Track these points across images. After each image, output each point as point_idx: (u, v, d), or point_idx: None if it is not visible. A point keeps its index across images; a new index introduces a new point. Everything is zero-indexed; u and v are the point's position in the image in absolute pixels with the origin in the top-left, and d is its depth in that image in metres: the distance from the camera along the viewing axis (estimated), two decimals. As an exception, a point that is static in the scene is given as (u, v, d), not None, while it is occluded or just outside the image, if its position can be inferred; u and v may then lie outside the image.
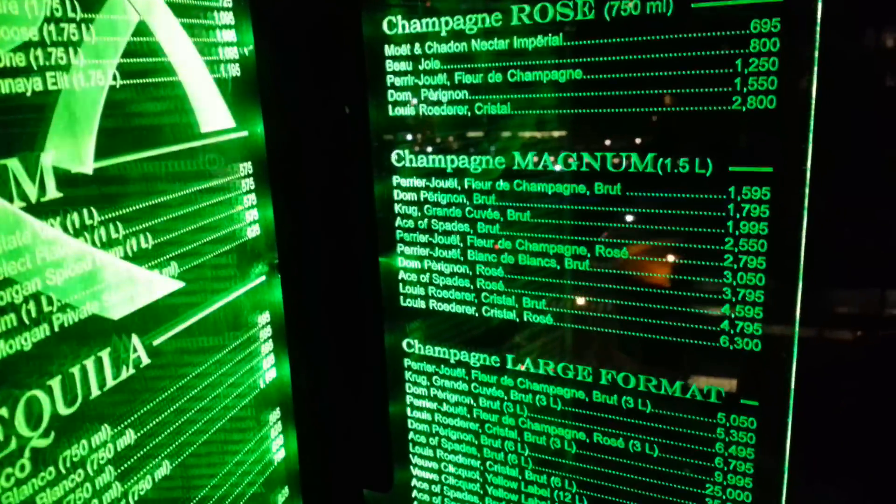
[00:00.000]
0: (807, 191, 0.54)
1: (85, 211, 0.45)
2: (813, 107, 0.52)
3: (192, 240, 0.56)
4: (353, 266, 0.76)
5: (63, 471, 0.44)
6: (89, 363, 0.45)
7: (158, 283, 0.52)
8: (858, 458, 0.59)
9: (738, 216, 0.56)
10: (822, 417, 0.59)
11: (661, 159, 0.58)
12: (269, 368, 0.68)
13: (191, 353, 0.57)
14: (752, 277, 0.57)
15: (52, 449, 0.43)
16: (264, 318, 0.68)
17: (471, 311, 0.71)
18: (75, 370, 0.44)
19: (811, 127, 0.53)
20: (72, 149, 0.44)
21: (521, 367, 0.70)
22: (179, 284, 0.54)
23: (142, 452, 0.51)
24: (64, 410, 0.44)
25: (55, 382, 0.43)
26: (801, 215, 0.54)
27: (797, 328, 0.56)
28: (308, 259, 0.75)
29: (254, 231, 0.66)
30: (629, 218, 0.61)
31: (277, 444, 0.70)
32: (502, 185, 0.66)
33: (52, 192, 0.42)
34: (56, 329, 0.43)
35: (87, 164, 0.45)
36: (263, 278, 0.67)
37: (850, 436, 0.59)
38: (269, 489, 0.69)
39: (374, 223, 0.74)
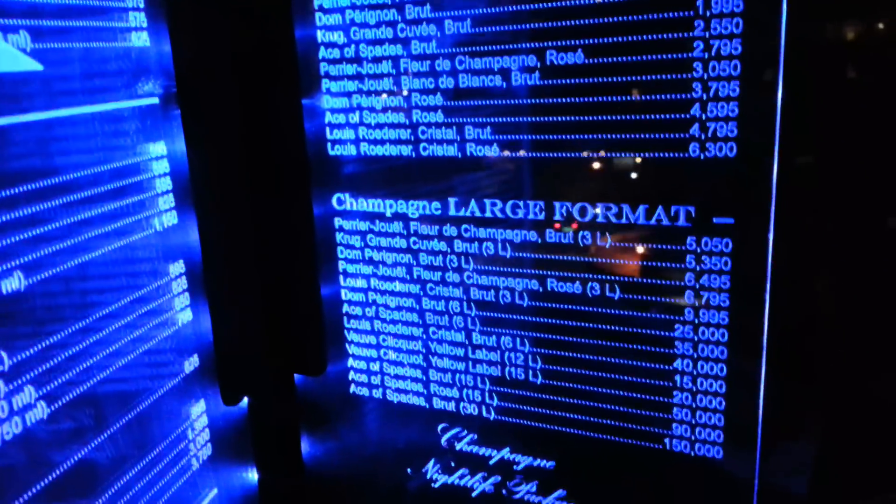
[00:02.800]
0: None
1: None
2: None
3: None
4: (273, 111, 0.66)
5: None
6: None
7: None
8: (841, 276, 0.53)
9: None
10: (806, 235, 0.52)
11: None
12: (168, 217, 0.58)
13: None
14: (727, 66, 0.49)
15: None
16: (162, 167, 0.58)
17: (407, 150, 0.62)
18: None
19: None
20: None
21: (466, 212, 0.61)
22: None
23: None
24: None
25: None
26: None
27: (778, 127, 0.49)
28: (221, 106, 0.64)
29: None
30: None
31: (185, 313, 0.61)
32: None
33: None
34: None
35: None
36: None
37: (835, 253, 0.52)
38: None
39: (295, 62, 0.64)
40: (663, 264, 0.55)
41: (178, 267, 0.58)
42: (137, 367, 0.53)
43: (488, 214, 0.60)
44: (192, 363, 0.60)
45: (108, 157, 0.50)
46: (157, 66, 0.55)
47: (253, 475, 0.71)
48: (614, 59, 0.52)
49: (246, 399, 0.69)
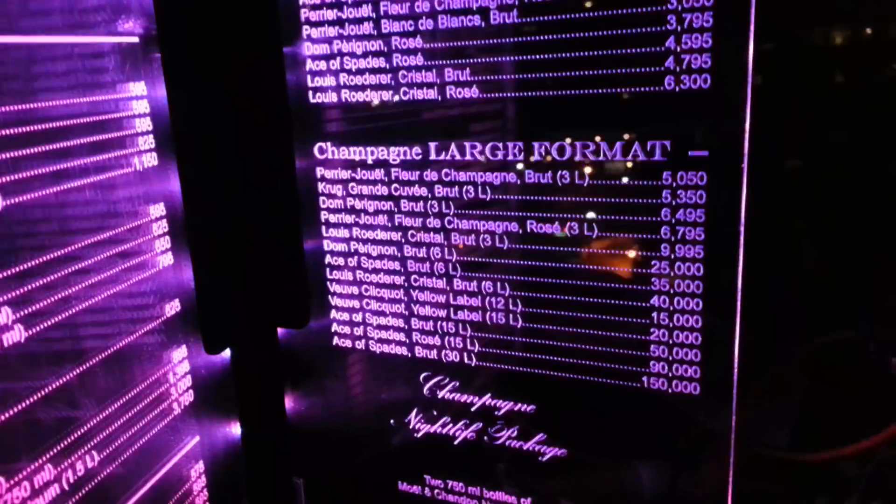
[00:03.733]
0: None
1: None
2: None
3: None
4: (254, 59, 0.66)
5: None
6: None
7: None
8: (814, 207, 0.54)
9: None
10: (779, 168, 0.53)
11: None
12: (148, 158, 0.58)
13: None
14: (700, -3, 0.50)
15: None
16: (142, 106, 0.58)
17: (388, 95, 0.62)
18: None
19: None
20: None
21: (446, 156, 0.61)
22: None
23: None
24: None
25: None
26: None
27: (751, 58, 0.50)
28: (202, 51, 0.64)
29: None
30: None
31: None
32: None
33: None
34: None
35: None
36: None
37: (809, 183, 0.53)
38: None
39: (275, 8, 0.64)
40: (639, 201, 0.55)
41: (158, 209, 0.58)
42: (116, 305, 0.53)
43: (468, 157, 0.61)
44: (172, 307, 0.60)
45: (87, 91, 0.50)
46: (138, 6, 0.55)
47: (236, 428, 0.72)
48: (590, -7, 0.53)
49: (229, 351, 0.69)
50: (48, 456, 0.46)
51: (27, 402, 0.44)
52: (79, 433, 0.49)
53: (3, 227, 0.43)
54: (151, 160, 0.57)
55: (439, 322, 0.66)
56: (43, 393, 0.46)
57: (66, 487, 0.48)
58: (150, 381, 0.57)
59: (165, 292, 0.59)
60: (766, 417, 0.70)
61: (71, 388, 0.48)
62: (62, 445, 0.47)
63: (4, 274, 0.42)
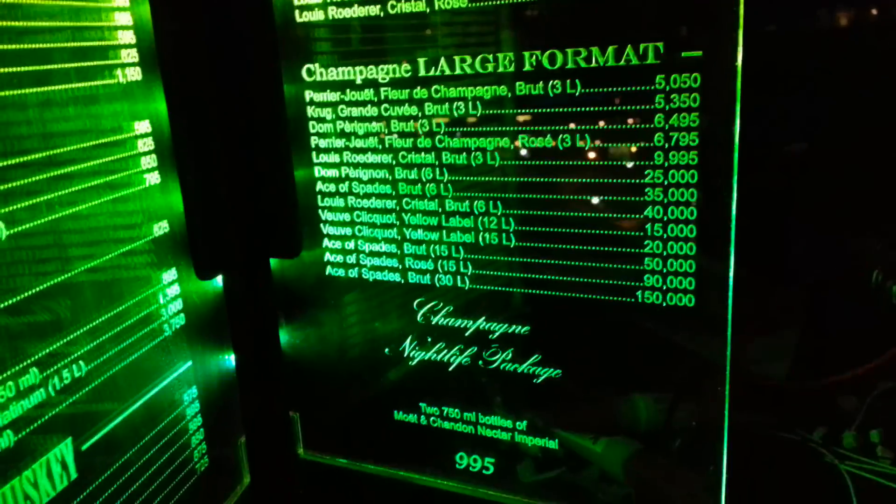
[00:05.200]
0: None
1: None
2: None
3: None
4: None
5: None
6: None
7: None
8: (812, 118, 0.53)
9: None
10: (775, 73, 0.52)
11: None
12: (132, 71, 0.57)
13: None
14: None
15: None
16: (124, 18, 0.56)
17: (376, 10, 0.61)
18: None
19: None
20: None
21: (436, 72, 0.60)
22: None
23: None
24: None
25: None
26: None
27: (744, -49, 0.48)
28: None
29: None
30: None
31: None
32: None
33: None
34: None
35: None
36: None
37: (804, 84, 0.51)
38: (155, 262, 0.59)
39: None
40: (632, 107, 0.54)
41: (143, 126, 0.57)
42: (101, 214, 0.52)
43: (458, 72, 0.60)
44: (160, 228, 0.59)
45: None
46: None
47: (230, 360, 0.71)
48: None
49: (221, 280, 0.69)
50: (33, 360, 0.46)
51: (9, 301, 0.44)
52: (65, 341, 0.49)
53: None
54: (135, 75, 0.56)
55: (432, 245, 0.65)
56: (27, 294, 0.45)
57: (53, 394, 0.47)
58: (139, 299, 0.57)
59: (153, 212, 0.59)
60: (763, 348, 0.69)
61: (56, 296, 0.48)
62: (47, 351, 0.47)
63: (-17, 167, 0.42)
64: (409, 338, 0.69)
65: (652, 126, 0.54)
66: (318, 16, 0.63)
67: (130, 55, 0.55)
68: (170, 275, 0.61)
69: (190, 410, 0.64)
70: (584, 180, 0.57)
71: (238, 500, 0.72)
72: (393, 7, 0.60)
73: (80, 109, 0.50)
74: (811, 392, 0.72)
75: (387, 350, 0.71)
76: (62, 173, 0.48)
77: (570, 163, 0.57)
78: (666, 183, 0.55)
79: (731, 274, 0.55)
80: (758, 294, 0.60)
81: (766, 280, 0.59)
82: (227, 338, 0.70)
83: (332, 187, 0.68)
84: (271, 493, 0.76)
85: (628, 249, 0.57)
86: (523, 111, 0.58)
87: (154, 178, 0.59)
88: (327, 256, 0.71)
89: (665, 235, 0.56)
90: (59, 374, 0.48)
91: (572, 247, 0.59)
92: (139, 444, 0.57)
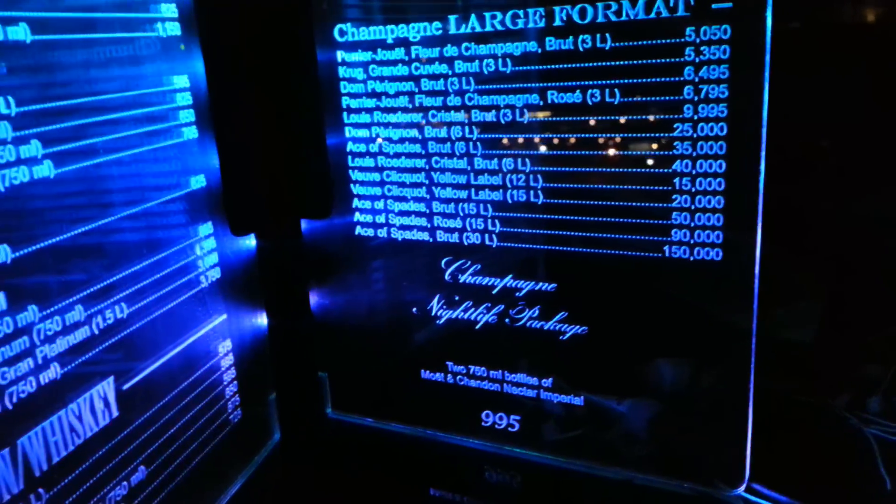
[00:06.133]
0: None
1: None
2: None
3: None
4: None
5: None
6: None
7: None
8: (844, 67, 0.53)
9: None
10: (806, 24, 0.52)
11: None
12: (171, 26, 0.58)
13: None
14: None
15: None
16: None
17: (407, -31, 0.62)
18: None
19: None
20: None
21: (466, 28, 0.61)
22: None
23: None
24: None
25: None
26: None
27: None
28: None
29: None
30: None
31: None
32: None
33: None
34: None
35: None
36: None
37: (835, 37, 0.51)
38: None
39: None
40: (662, 60, 0.55)
41: (182, 80, 0.59)
42: (142, 162, 0.54)
43: (488, 28, 0.60)
44: (198, 181, 0.61)
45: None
46: None
47: (262, 318, 0.73)
48: None
49: (255, 240, 0.70)
50: (78, 297, 0.48)
51: (55, 239, 0.45)
52: (107, 282, 0.50)
53: (31, 59, 0.44)
54: (174, 29, 0.58)
55: (460, 204, 0.66)
56: (73, 233, 0.47)
57: (96, 332, 0.49)
58: (177, 249, 0.58)
59: (191, 165, 0.60)
60: (790, 309, 0.69)
61: (99, 238, 0.50)
62: (91, 290, 0.49)
63: (36, 107, 0.43)
64: (437, 297, 0.70)
65: (681, 79, 0.54)
66: (350, -24, 0.64)
67: (170, 10, 0.57)
68: (206, 228, 0.62)
69: (224, 362, 0.66)
70: (612, 135, 0.58)
71: (268, 455, 0.74)
72: (424, -35, 0.61)
73: (123, 59, 0.52)
74: (837, 355, 0.72)
75: (414, 309, 0.72)
76: (105, 119, 0.50)
77: (599, 118, 0.58)
78: (695, 136, 0.55)
79: (759, 228, 0.55)
80: (785, 253, 0.60)
81: (795, 237, 0.59)
82: (260, 296, 0.72)
83: (362, 147, 0.69)
84: (300, 450, 0.78)
85: (656, 204, 0.58)
86: (553, 67, 0.58)
87: (192, 133, 0.60)
88: (356, 216, 0.72)
89: (693, 189, 0.56)
90: (103, 313, 0.50)
91: (600, 202, 0.60)
92: (176, 390, 0.58)
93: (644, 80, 0.55)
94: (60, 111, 0.46)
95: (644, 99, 0.56)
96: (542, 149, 0.61)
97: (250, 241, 0.70)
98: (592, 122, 0.58)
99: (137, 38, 0.54)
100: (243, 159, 0.66)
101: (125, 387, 0.52)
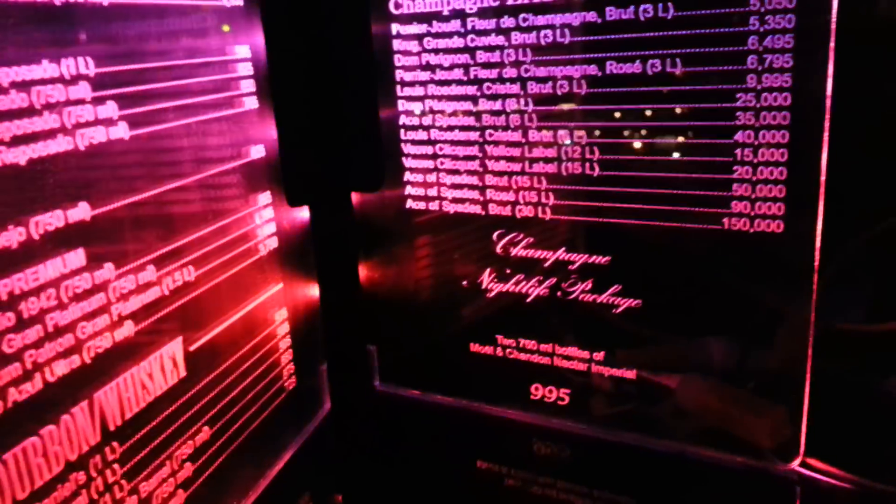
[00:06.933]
0: None
1: None
2: None
3: None
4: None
5: None
6: None
7: None
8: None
9: None
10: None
11: None
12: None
13: None
14: None
15: None
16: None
17: (465, -60, 0.62)
18: None
19: None
20: None
21: None
22: None
23: None
24: None
25: None
26: None
27: None
28: None
29: None
30: None
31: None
32: None
33: None
34: None
35: None
36: None
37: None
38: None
39: None
40: (726, 29, 0.54)
41: (244, 51, 0.60)
42: (207, 129, 0.55)
43: (547, -1, 0.60)
44: (257, 151, 0.62)
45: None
46: None
47: (315, 290, 0.74)
48: None
49: (308, 212, 0.71)
50: (149, 258, 0.49)
51: (131, 199, 0.47)
52: (177, 245, 0.52)
53: (108, 22, 0.45)
54: (238, 1, 0.58)
55: (514, 177, 0.66)
56: (145, 195, 0.48)
57: (167, 292, 0.50)
58: (239, 217, 0.60)
59: (250, 135, 0.61)
60: (849, 287, 0.68)
61: (169, 201, 0.51)
62: (162, 252, 0.50)
63: (112, 69, 0.45)
64: (488, 270, 0.71)
65: (745, 48, 0.54)
66: (408, -52, 0.65)
67: (235, -16, 0.58)
68: (265, 197, 0.64)
69: (280, 330, 0.67)
70: (672, 105, 0.57)
71: (319, 424, 0.75)
72: (483, -64, 0.61)
73: (189, 25, 0.53)
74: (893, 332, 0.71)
75: (464, 283, 0.72)
76: (173, 85, 0.51)
77: (659, 88, 0.58)
78: (758, 106, 0.54)
79: (822, 201, 0.55)
80: (847, 227, 0.59)
81: (857, 211, 0.58)
82: (313, 268, 0.73)
83: (415, 121, 0.70)
84: (349, 420, 0.79)
85: (716, 175, 0.57)
86: (612, 37, 0.58)
87: (252, 103, 0.61)
88: (408, 190, 0.72)
89: (755, 160, 0.56)
90: (172, 275, 0.51)
91: (658, 174, 0.59)
92: (237, 354, 0.60)
93: (706, 49, 0.55)
94: (133, 75, 0.47)
95: (706, 69, 0.56)
96: (600, 120, 0.61)
97: (304, 213, 0.71)
98: (652, 93, 0.58)
99: (204, 6, 0.55)
100: (299, 131, 0.67)
101: (192, 348, 0.54)
